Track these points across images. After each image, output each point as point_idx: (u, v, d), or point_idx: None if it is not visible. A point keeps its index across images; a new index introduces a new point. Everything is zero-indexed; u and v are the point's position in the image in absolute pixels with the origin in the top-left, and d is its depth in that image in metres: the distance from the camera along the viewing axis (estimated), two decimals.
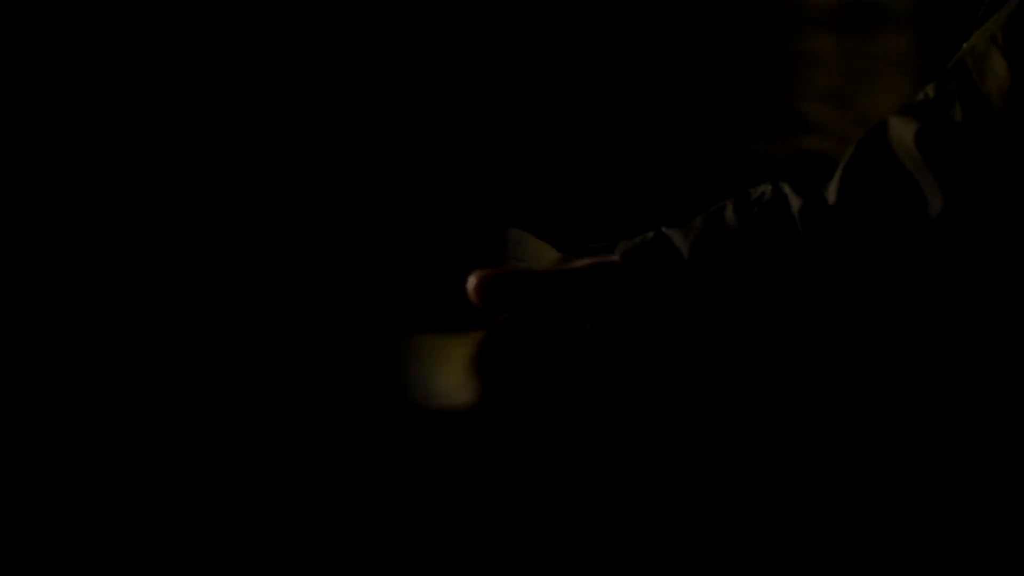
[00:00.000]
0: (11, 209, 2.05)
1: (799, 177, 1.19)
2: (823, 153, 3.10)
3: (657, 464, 1.11)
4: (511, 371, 1.12)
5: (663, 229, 1.19)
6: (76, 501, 1.05)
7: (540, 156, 2.77)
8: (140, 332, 1.45)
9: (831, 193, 1.17)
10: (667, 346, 1.16)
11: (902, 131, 1.16)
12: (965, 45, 1.54)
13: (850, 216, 1.16)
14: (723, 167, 2.83)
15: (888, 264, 1.14)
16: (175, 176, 2.37)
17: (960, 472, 1.14)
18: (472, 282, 1.13)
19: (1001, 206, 1.13)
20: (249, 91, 3.54)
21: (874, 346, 1.17)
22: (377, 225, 1.91)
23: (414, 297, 1.23)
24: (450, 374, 1.10)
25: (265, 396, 1.24)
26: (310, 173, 2.29)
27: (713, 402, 1.16)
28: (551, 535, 1.00)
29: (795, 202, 1.18)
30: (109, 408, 1.23)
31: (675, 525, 1.05)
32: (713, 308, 1.15)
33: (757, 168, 2.78)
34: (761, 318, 1.14)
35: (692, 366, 1.17)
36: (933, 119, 1.16)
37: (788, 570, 1.01)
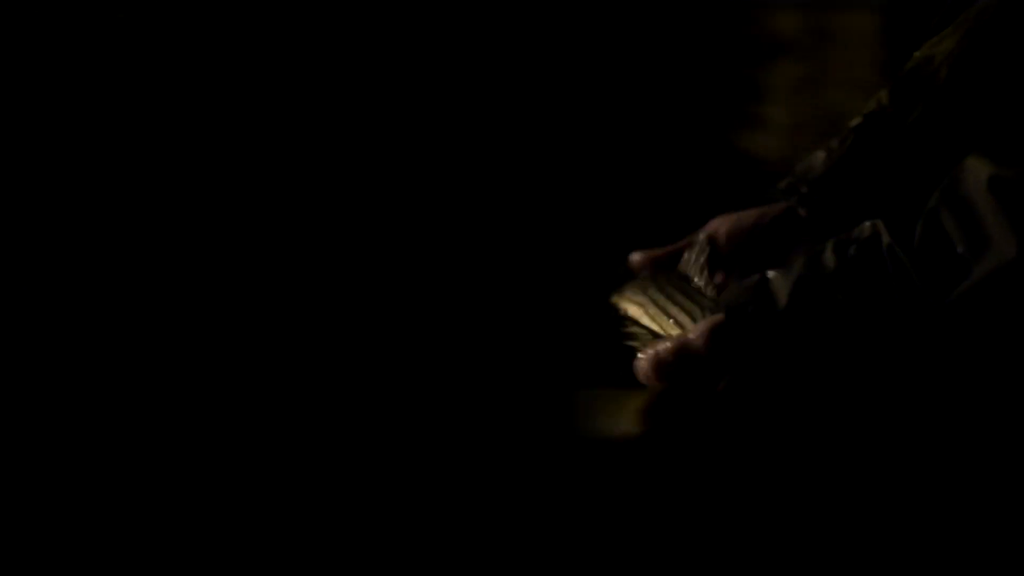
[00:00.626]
0: (11, 209, 2.06)
1: (900, 214, 1.21)
2: (787, 137, 3.12)
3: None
4: (677, 421, 1.23)
5: (768, 273, 1.24)
6: (76, 501, 1.06)
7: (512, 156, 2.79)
8: (151, 332, 1.47)
9: (917, 233, 1.18)
10: (774, 395, 1.24)
11: (977, 174, 1.16)
12: (917, 53, 1.57)
13: (929, 258, 1.17)
14: (693, 156, 2.84)
15: (960, 309, 1.15)
16: (178, 176, 2.38)
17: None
18: (644, 367, 1.25)
19: None
20: (252, 91, 3.55)
21: (950, 386, 1.22)
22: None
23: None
24: (623, 423, 1.21)
25: (279, 397, 1.28)
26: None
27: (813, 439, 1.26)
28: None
29: (885, 239, 1.20)
30: (109, 408, 1.25)
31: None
32: (809, 354, 1.20)
33: (726, 157, 2.80)
34: (855, 359, 1.19)
35: (794, 410, 1.25)
36: (1009, 161, 1.16)
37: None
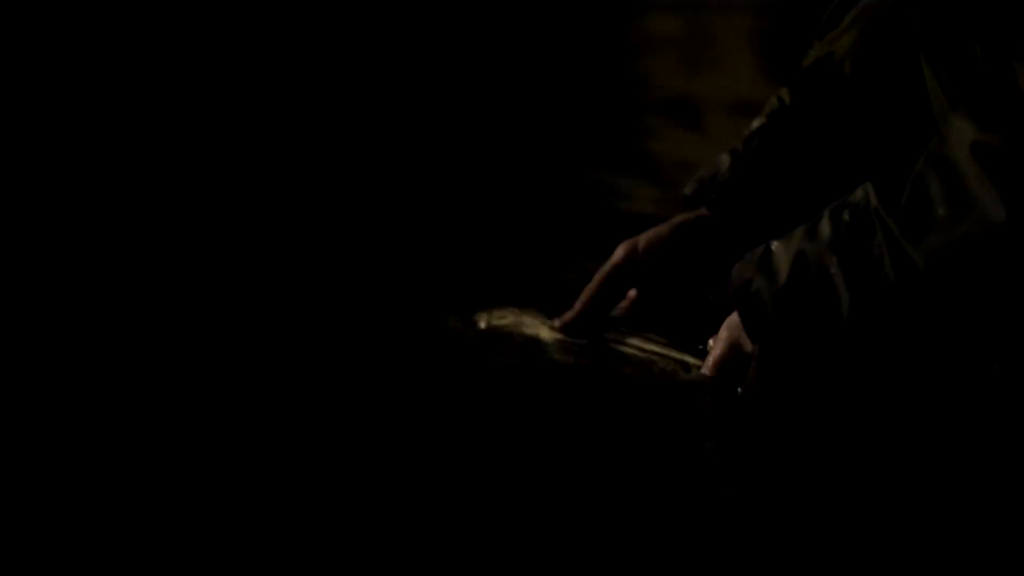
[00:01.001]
0: (11, 209, 2.03)
1: (890, 178, 1.23)
2: (667, 142, 3.12)
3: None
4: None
5: (771, 244, 1.28)
6: (75, 501, 1.06)
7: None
8: (140, 332, 1.45)
9: (905, 195, 1.20)
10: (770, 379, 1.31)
11: (961, 137, 1.17)
12: (813, 50, 1.55)
13: (913, 218, 1.19)
14: (567, 159, 2.83)
15: (948, 271, 1.18)
16: (175, 176, 2.36)
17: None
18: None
19: None
20: (249, 91, 3.52)
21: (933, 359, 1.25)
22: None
23: None
24: None
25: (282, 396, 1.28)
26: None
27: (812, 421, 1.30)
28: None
29: (873, 201, 1.23)
30: (109, 408, 1.24)
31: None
32: (810, 334, 1.25)
33: (605, 167, 2.78)
34: (853, 332, 1.23)
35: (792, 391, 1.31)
36: (992, 126, 1.16)
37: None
